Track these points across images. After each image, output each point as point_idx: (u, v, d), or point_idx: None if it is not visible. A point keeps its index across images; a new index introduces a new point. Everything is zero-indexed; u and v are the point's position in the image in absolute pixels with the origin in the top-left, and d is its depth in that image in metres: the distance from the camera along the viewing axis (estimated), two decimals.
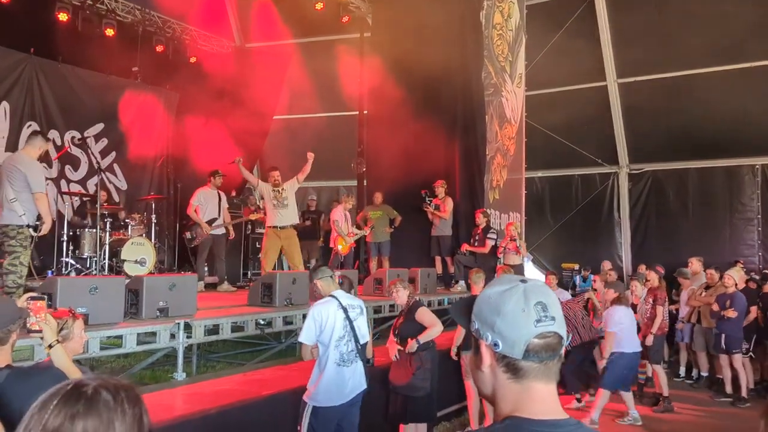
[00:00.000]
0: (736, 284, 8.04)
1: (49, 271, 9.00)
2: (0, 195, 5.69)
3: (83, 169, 11.40)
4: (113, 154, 11.99)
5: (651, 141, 12.86)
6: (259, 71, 12.87)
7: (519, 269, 9.67)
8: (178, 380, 5.28)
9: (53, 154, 10.71)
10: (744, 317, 7.93)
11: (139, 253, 8.48)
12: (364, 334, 4.52)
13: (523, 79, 12.16)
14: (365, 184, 11.93)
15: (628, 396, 6.91)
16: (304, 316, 6.57)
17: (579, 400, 7.64)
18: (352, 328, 4.39)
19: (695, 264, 9.46)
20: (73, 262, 8.76)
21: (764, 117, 11.55)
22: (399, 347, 5.24)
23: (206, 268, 9.69)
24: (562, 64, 12.25)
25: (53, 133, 10.98)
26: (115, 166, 12.06)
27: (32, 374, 2.54)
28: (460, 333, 6.33)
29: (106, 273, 8.31)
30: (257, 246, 11.57)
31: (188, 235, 9.22)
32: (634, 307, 8.48)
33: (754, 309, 8.15)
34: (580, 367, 7.94)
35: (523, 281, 1.30)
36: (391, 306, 7.51)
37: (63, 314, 2.91)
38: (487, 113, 10.67)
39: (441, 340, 5.69)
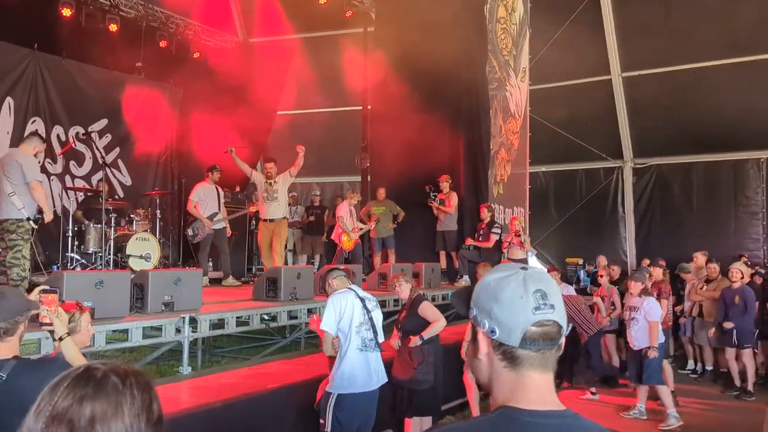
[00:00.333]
0: (743, 277, 8.02)
1: (55, 266, 9.05)
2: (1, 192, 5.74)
3: (88, 164, 11.43)
4: (117, 149, 12.01)
5: (655, 135, 12.81)
6: (262, 66, 12.88)
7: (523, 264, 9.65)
8: (184, 374, 5.31)
9: (58, 150, 10.76)
10: (754, 311, 7.90)
11: (144, 248, 8.50)
12: (380, 328, 4.59)
13: (527, 73, 12.12)
14: (369, 179, 11.92)
15: (644, 389, 6.91)
16: (309, 311, 6.67)
17: (594, 393, 7.66)
18: (371, 317, 4.48)
19: (700, 258, 9.43)
20: (79, 258, 8.79)
21: None
22: (397, 339, 5.26)
23: (210, 263, 9.72)
24: (567, 58, 12.19)
25: (58, 129, 11.03)
26: (120, 162, 12.08)
27: (39, 366, 2.55)
28: (469, 330, 6.34)
29: (111, 268, 8.33)
30: None
31: (190, 231, 9.24)
32: None
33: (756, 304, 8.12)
34: (592, 360, 7.96)
35: (524, 268, 1.28)
36: (396, 300, 7.51)
37: (70, 307, 2.93)
38: (491, 108, 10.66)
39: (445, 334, 5.70)
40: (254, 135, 12.12)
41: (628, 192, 13.34)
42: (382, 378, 4.52)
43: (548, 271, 9.58)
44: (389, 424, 5.46)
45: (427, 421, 5.29)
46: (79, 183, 11.13)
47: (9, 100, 10.25)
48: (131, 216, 9.37)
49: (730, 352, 7.98)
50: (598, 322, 8.15)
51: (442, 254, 10.26)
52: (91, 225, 8.90)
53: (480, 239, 9.80)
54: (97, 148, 10.20)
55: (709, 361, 8.79)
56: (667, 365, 7.65)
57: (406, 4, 10.42)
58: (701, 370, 8.96)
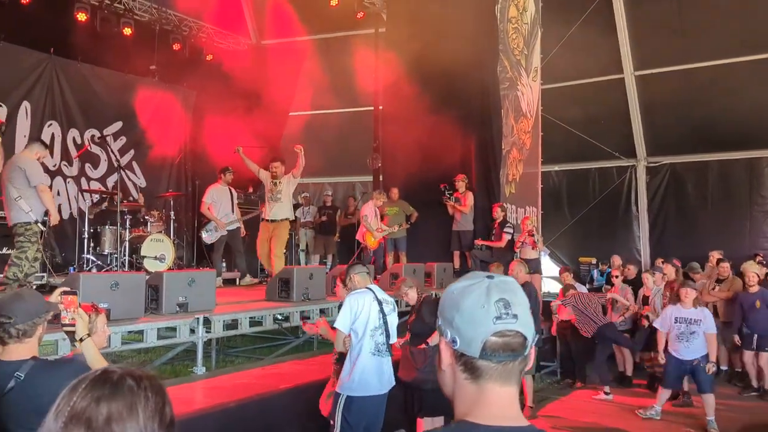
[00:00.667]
0: (760, 280, 7.94)
1: (71, 268, 9.17)
2: (7, 197, 5.85)
3: (103, 167, 11.56)
4: (132, 152, 12.14)
5: (669, 133, 12.72)
6: (274, 68, 12.95)
7: (536, 264, 9.64)
8: (198, 374, 5.36)
9: (73, 153, 10.91)
10: None
11: (159, 249, 8.58)
12: (394, 332, 4.56)
13: (538, 72, 12.09)
14: (381, 179, 11.95)
15: (666, 393, 6.86)
16: (321, 311, 6.71)
17: (607, 393, 7.64)
18: (385, 322, 4.43)
19: (716, 257, 9.37)
20: (94, 259, 8.89)
21: None
22: (401, 340, 5.23)
23: (224, 264, 9.80)
24: (579, 56, 12.15)
25: (73, 132, 11.18)
26: (134, 164, 12.21)
27: (56, 366, 2.60)
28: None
29: (126, 269, 8.43)
30: None
31: (204, 233, 9.34)
32: (645, 299, 8.48)
33: None
34: (597, 361, 7.94)
35: (490, 277, 1.23)
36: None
37: (86, 309, 2.98)
38: (503, 107, 10.63)
39: None
40: (267, 136, 12.19)
41: (642, 191, 13.27)
42: (391, 381, 4.49)
43: (561, 272, 9.60)
44: (401, 424, 5.49)
45: (438, 421, 5.30)
46: (95, 185, 11.27)
47: (26, 104, 10.39)
48: (146, 218, 9.47)
49: (749, 355, 7.92)
50: (613, 323, 8.15)
51: (456, 254, 10.25)
52: (107, 227, 9.01)
53: (493, 239, 9.80)
54: (111, 150, 10.31)
55: (724, 361, 8.72)
56: None
57: (418, 5, 10.43)
58: (716, 370, 8.89)
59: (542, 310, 8.17)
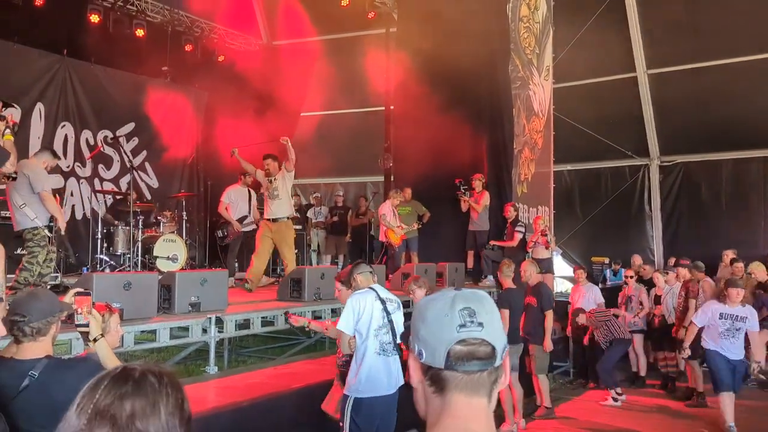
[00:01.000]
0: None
1: (84, 268, 9.24)
2: (12, 204, 5.90)
3: (116, 167, 11.64)
4: (144, 152, 12.21)
5: (682, 132, 12.61)
6: (286, 68, 12.98)
7: (548, 263, 9.60)
8: (210, 374, 5.38)
9: (87, 154, 10.99)
10: None
11: (171, 249, 8.63)
12: (400, 331, 4.53)
13: (550, 71, 12.03)
14: (392, 179, 11.94)
15: (728, 398, 6.53)
16: (333, 311, 6.71)
17: (618, 395, 7.56)
18: (390, 320, 4.38)
19: (730, 256, 9.28)
20: (107, 259, 8.95)
21: None
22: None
23: (237, 264, 9.83)
24: (591, 55, 12.08)
25: (86, 133, 11.26)
26: (147, 165, 12.28)
27: (70, 365, 2.62)
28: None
29: (139, 269, 8.48)
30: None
31: (220, 233, 9.38)
32: (657, 298, 8.41)
33: None
34: (605, 364, 7.87)
35: (458, 290, 1.21)
36: None
37: (100, 309, 2.99)
38: (515, 107, 10.59)
39: None
40: (278, 137, 12.18)
41: (655, 190, 13.16)
42: (400, 380, 4.42)
43: (574, 270, 9.54)
44: (414, 424, 5.47)
45: None
46: (108, 186, 11.34)
47: (39, 105, 10.47)
48: (158, 218, 9.51)
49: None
50: (626, 327, 8.11)
51: (470, 253, 10.21)
52: (120, 227, 9.07)
53: (505, 238, 9.76)
54: (124, 151, 10.38)
55: None
56: (696, 366, 7.55)
57: (429, 4, 10.41)
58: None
59: (555, 309, 8.11)
